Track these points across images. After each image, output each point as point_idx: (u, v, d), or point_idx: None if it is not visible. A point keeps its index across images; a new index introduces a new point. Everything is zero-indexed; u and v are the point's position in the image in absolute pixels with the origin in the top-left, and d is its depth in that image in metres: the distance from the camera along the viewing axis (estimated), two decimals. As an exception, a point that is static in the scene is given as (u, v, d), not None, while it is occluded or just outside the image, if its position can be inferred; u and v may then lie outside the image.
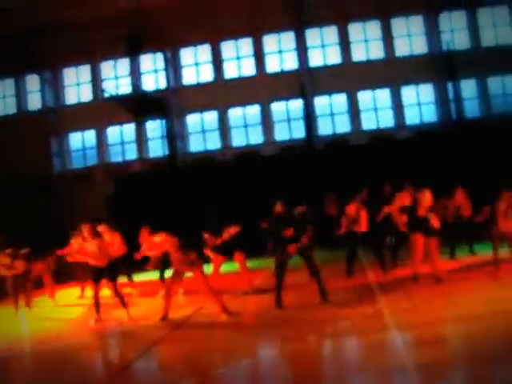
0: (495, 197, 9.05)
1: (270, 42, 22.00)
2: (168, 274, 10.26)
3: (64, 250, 10.60)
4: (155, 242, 9.74)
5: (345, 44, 21.78)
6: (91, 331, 8.16)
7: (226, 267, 10.18)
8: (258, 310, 8.51)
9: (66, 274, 13.38)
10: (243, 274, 10.01)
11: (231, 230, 9.61)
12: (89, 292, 9.65)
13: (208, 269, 9.81)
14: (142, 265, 10.90)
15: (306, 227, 8.29)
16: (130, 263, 11.08)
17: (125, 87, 22.19)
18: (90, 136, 22.95)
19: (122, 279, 10.61)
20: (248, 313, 8.40)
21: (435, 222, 8.46)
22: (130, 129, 22.53)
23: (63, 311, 10.39)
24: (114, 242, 10.37)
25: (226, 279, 10.18)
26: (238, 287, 9.97)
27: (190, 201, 17.35)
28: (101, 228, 10.28)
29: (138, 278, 12.59)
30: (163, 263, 10.37)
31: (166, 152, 21.61)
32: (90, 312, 8.85)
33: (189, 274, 8.35)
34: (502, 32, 21.70)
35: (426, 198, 8.60)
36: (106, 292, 9.13)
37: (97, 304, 8.51)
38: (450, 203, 11.07)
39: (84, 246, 8.81)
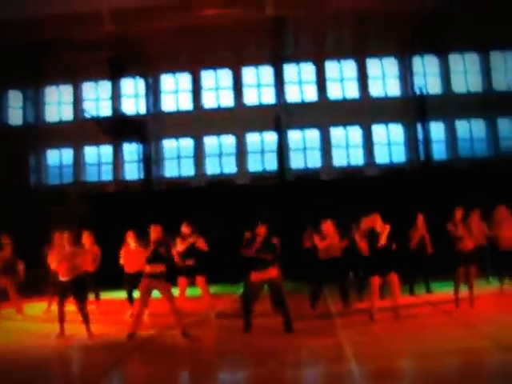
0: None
1: (249, 75, 22.73)
2: (136, 293, 10.54)
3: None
4: (132, 249, 10.44)
5: (321, 81, 22.55)
6: (53, 347, 8.20)
7: (188, 291, 10.37)
8: (219, 334, 8.73)
9: (33, 288, 13.49)
10: (205, 298, 10.22)
11: (201, 243, 9.89)
12: (55, 307, 9.63)
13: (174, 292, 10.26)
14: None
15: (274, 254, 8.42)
16: (98, 281, 11.35)
17: (105, 109, 22.76)
18: (67, 154, 23.31)
19: (90, 296, 10.73)
20: (209, 337, 8.58)
21: (382, 240, 8.83)
22: (107, 150, 22.97)
23: (27, 325, 10.41)
24: (92, 253, 10.73)
25: (188, 303, 10.32)
26: (200, 312, 10.16)
27: (162, 225, 17.66)
28: (84, 237, 10.58)
29: (106, 295, 12.72)
30: (131, 282, 10.55)
31: (142, 175, 22.09)
32: (54, 327, 8.87)
33: (156, 295, 8.51)
34: (471, 78, 22.71)
35: (376, 221, 8.97)
36: (72, 307, 9.18)
37: (61, 319, 8.58)
38: (413, 233, 11.57)
39: (60, 253, 8.86)
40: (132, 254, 10.43)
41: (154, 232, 8.40)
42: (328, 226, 10.24)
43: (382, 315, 8.84)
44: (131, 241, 10.46)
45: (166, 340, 8.44)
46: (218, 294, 13.24)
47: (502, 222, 10.75)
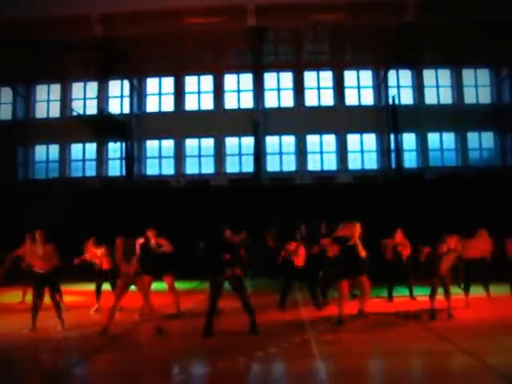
0: (435, 240, 9.67)
1: (229, 81, 23.76)
2: (104, 288, 10.95)
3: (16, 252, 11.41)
4: (97, 254, 10.91)
5: (299, 89, 23.57)
6: (24, 338, 8.29)
7: (155, 287, 10.50)
8: (188, 331, 8.69)
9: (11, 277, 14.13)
10: (171, 295, 10.33)
11: (166, 246, 10.09)
12: (29, 297, 9.68)
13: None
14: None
15: (240, 254, 8.52)
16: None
17: (91, 108, 23.71)
18: (54, 150, 24.21)
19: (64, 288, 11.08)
20: (178, 334, 8.62)
21: (362, 252, 9.09)
22: (91, 147, 23.90)
23: (8, 314, 10.64)
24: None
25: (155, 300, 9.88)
26: (167, 308, 10.24)
27: (142, 220, 18.46)
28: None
29: (83, 287, 13.01)
30: (100, 278, 11.01)
31: (124, 173, 22.98)
32: (27, 318, 8.95)
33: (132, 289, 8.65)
34: (443, 92, 23.75)
35: (357, 229, 9.25)
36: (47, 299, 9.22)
37: (34, 311, 8.75)
38: (389, 242, 11.75)
39: (33, 249, 9.14)
40: (96, 256, 11.04)
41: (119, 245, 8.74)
42: (292, 246, 10.58)
43: (348, 317, 9.04)
44: (92, 248, 11.07)
45: (137, 335, 8.65)
46: (188, 290, 13.69)
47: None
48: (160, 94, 24.02)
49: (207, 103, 23.75)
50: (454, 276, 12.04)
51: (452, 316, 9.28)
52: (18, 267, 12.00)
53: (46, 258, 9.05)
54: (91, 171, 23.86)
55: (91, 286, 11.20)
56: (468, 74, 23.76)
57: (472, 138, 23.55)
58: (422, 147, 23.51)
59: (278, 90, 23.70)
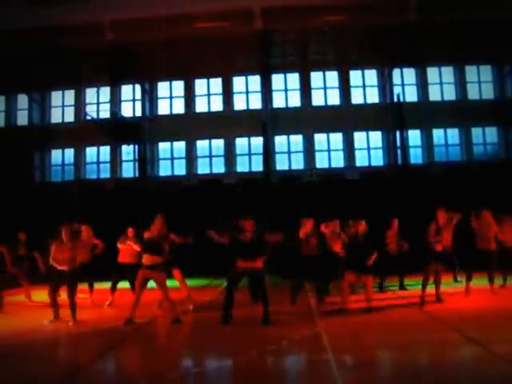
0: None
1: (237, 82, 24.35)
2: (120, 285, 11.34)
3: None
4: (132, 248, 10.78)
5: (305, 90, 24.11)
6: (47, 331, 8.60)
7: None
8: (200, 325, 8.93)
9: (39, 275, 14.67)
10: (182, 290, 10.63)
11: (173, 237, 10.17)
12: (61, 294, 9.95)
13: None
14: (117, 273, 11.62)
15: (263, 248, 8.75)
16: (93, 271, 11.99)
17: (105, 112, 24.37)
18: (69, 154, 24.95)
19: (83, 285, 11.37)
20: (190, 328, 8.84)
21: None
22: (105, 150, 24.60)
23: (32, 310, 11.03)
24: (89, 244, 11.55)
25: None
26: (178, 302, 10.27)
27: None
28: (84, 228, 11.34)
29: (101, 285, 13.12)
30: (117, 274, 11.38)
31: (137, 174, 23.68)
32: (51, 313, 9.27)
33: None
34: (447, 89, 24.21)
35: (362, 227, 9.78)
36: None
37: (55, 305, 9.14)
38: (391, 233, 12.36)
39: (60, 249, 9.30)
40: (127, 246, 11.11)
41: (157, 224, 8.93)
42: (309, 226, 10.86)
43: (356, 309, 9.37)
44: (130, 235, 11.18)
45: (156, 328, 8.90)
46: (200, 286, 14.13)
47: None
48: (171, 97, 24.66)
49: (217, 105, 24.37)
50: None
51: (441, 300, 9.90)
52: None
53: (73, 257, 9.30)
54: (106, 173, 24.56)
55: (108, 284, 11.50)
56: (471, 71, 24.18)
57: (476, 133, 23.95)
58: (427, 143, 23.98)
59: (286, 90, 24.26)
